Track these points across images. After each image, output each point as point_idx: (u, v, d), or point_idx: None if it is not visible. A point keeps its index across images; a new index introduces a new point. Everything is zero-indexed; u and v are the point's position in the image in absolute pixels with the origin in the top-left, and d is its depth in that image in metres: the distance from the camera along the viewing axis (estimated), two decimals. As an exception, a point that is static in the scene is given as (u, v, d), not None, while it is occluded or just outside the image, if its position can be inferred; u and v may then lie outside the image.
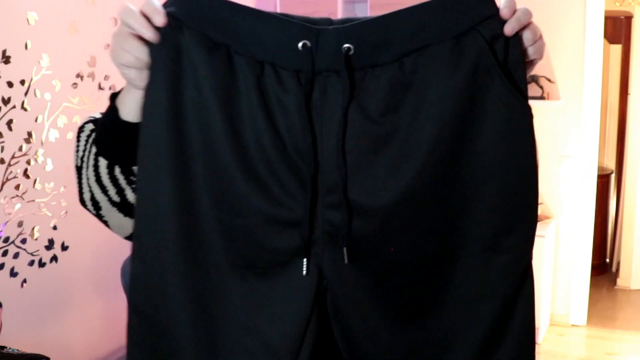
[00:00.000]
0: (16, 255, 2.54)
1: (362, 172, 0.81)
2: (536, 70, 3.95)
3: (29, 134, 2.56)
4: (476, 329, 0.87)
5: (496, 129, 0.82)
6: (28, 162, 2.57)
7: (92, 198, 0.96)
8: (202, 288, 0.85)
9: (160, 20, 0.80)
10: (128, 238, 0.98)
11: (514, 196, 0.85)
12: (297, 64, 0.79)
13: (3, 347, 2.15)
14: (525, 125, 0.84)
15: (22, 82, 2.52)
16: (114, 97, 0.92)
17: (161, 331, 0.86)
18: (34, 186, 2.59)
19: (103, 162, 0.93)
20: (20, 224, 2.54)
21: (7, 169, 2.48)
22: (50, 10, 2.62)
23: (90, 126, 0.97)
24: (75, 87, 2.75)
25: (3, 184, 2.47)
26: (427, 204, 0.83)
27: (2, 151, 2.46)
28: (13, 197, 2.51)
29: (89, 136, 0.96)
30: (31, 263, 2.59)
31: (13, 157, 2.51)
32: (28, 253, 2.58)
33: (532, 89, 3.94)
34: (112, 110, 0.90)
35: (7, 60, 2.46)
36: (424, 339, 0.88)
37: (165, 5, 0.82)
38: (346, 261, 0.82)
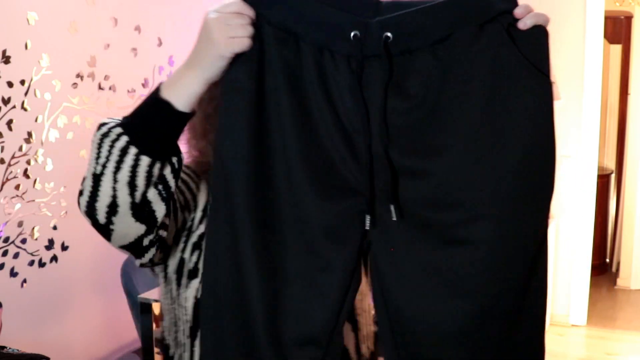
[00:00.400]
0: (16, 255, 2.54)
1: (403, 138, 0.96)
2: (536, 70, 3.95)
3: (29, 134, 2.56)
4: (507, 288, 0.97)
5: (520, 102, 0.95)
6: (28, 162, 2.57)
7: (112, 204, 0.99)
8: (269, 244, 0.99)
9: (252, 13, 0.96)
10: (122, 247, 1.05)
11: (536, 165, 0.98)
12: (349, 50, 0.95)
13: (3, 347, 2.15)
14: (547, 98, 0.98)
15: (22, 82, 2.52)
16: (154, 96, 1.00)
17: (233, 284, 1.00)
18: (34, 186, 2.59)
19: (146, 161, 0.99)
20: (20, 224, 2.54)
21: (7, 169, 2.48)
22: (50, 10, 2.62)
23: (119, 130, 0.99)
24: (75, 87, 2.75)
25: (3, 184, 2.48)
26: (463, 170, 0.95)
27: (2, 151, 2.46)
28: (13, 197, 2.51)
29: (115, 141, 0.99)
30: (31, 263, 2.59)
31: (13, 157, 2.51)
32: (28, 253, 2.58)
33: (532, 89, 3.94)
34: (162, 104, 0.98)
35: (7, 60, 2.46)
36: (457, 303, 0.97)
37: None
38: (393, 217, 0.96)
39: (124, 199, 0.99)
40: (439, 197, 0.96)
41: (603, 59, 4.03)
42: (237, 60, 0.96)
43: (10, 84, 2.47)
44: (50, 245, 2.67)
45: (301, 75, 0.97)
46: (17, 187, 2.53)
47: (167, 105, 0.99)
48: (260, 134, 0.98)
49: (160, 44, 3.16)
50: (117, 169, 0.98)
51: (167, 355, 1.22)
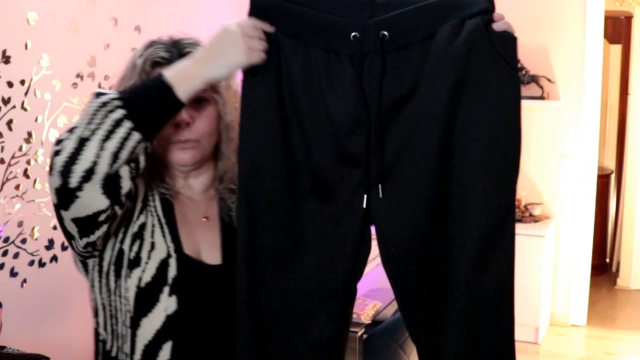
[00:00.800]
0: (16, 255, 2.54)
1: (395, 123, 1.12)
2: (536, 70, 3.95)
3: (29, 134, 2.56)
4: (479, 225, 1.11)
5: (491, 89, 1.08)
6: (28, 162, 2.57)
7: (90, 169, 1.03)
8: (287, 215, 1.16)
9: (269, 29, 1.12)
10: (77, 220, 1.09)
11: (502, 143, 1.09)
12: (351, 49, 1.10)
13: (3, 347, 2.15)
14: (515, 90, 1.10)
15: (22, 82, 2.52)
16: (158, 80, 1.08)
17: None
18: (34, 186, 2.59)
19: (136, 137, 1.05)
20: (20, 224, 2.54)
21: (7, 169, 2.48)
22: (50, 10, 2.62)
23: (117, 102, 1.05)
24: (75, 87, 2.75)
25: (3, 184, 2.48)
26: (439, 149, 1.09)
27: (2, 151, 2.46)
28: (13, 197, 2.51)
29: (111, 112, 1.04)
30: (31, 263, 2.59)
31: (13, 157, 2.51)
32: (28, 253, 2.58)
33: (532, 89, 3.94)
34: (165, 88, 1.06)
35: (7, 60, 2.46)
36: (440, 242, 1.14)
37: (253, 12, 1.13)
38: (380, 195, 1.13)
39: (102, 168, 1.03)
40: (420, 176, 1.12)
41: (603, 59, 4.03)
42: (261, 71, 1.12)
43: (10, 84, 2.47)
44: (50, 245, 2.67)
45: (314, 75, 1.12)
46: (17, 187, 2.53)
47: (169, 90, 1.06)
48: (284, 136, 1.14)
49: (160, 44, 3.16)
50: (107, 138, 1.03)
51: (104, 351, 1.23)
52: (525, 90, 3.97)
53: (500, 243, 1.11)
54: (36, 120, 2.59)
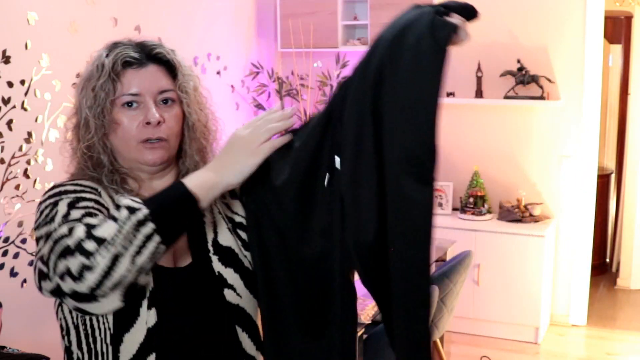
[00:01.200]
0: (16, 255, 2.54)
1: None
2: (536, 70, 3.95)
3: (29, 134, 2.56)
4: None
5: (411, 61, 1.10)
6: (28, 162, 2.57)
7: (119, 282, 1.03)
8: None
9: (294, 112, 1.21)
10: (76, 308, 1.08)
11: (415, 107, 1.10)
12: None
13: (3, 347, 2.15)
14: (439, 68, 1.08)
15: (22, 82, 2.52)
16: (183, 190, 1.11)
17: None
18: (34, 186, 2.59)
19: (162, 248, 1.07)
20: (20, 224, 2.54)
21: (7, 169, 2.48)
22: (50, 10, 2.62)
23: (148, 217, 1.05)
24: (75, 87, 2.75)
25: (3, 184, 2.48)
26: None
27: (2, 151, 2.46)
28: (13, 197, 2.51)
29: (141, 226, 1.04)
30: (31, 263, 2.59)
31: (13, 157, 2.51)
32: (28, 253, 2.58)
33: (532, 89, 3.94)
34: (191, 202, 1.10)
35: (7, 60, 2.46)
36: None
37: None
38: (337, 167, 1.20)
39: (129, 280, 1.04)
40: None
41: (603, 59, 4.02)
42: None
43: (10, 84, 2.47)
44: (50, 245, 2.67)
45: None
46: (17, 187, 2.53)
47: (195, 203, 1.11)
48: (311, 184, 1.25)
49: (160, 44, 3.16)
50: (138, 253, 1.03)
51: None
52: (525, 90, 3.97)
53: None
54: (36, 120, 2.59)
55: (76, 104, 1.29)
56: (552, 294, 4.14)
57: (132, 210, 1.04)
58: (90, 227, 1.04)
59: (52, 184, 1.23)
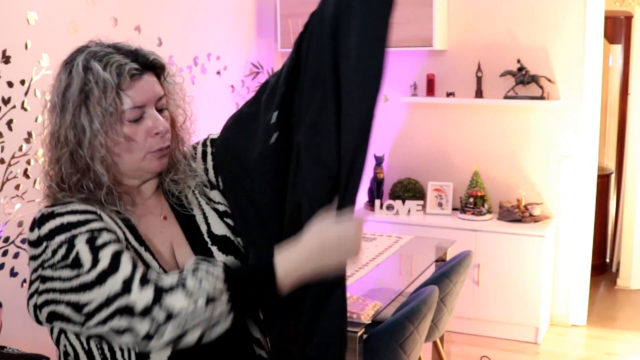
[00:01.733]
0: (16, 255, 2.54)
1: None
2: (536, 70, 3.95)
3: (29, 134, 2.56)
4: None
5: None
6: (28, 162, 2.57)
7: (180, 344, 1.08)
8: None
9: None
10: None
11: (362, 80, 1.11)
12: None
13: (3, 347, 2.15)
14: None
15: (22, 82, 2.52)
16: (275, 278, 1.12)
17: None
18: (34, 186, 2.59)
19: (230, 317, 1.10)
20: (20, 224, 2.54)
21: (7, 169, 2.48)
22: (50, 10, 2.63)
23: (227, 299, 1.09)
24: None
25: (3, 184, 2.48)
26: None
27: (2, 151, 2.46)
28: (13, 197, 2.51)
29: (222, 318, 1.09)
30: (31, 263, 2.60)
31: (13, 157, 2.51)
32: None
33: (532, 89, 3.94)
34: (274, 289, 1.12)
35: (7, 60, 2.46)
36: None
37: None
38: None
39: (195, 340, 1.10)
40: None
41: (603, 59, 4.02)
42: None
43: (10, 84, 2.47)
44: (50, 245, 2.67)
45: None
46: (17, 187, 2.53)
47: (276, 290, 1.12)
48: None
49: (160, 44, 3.16)
50: (212, 327, 1.08)
51: None
52: (525, 90, 3.97)
53: None
54: (36, 120, 2.59)
55: (72, 126, 1.23)
56: (552, 294, 4.14)
57: (212, 300, 1.07)
58: (159, 291, 1.05)
59: (40, 213, 1.14)
